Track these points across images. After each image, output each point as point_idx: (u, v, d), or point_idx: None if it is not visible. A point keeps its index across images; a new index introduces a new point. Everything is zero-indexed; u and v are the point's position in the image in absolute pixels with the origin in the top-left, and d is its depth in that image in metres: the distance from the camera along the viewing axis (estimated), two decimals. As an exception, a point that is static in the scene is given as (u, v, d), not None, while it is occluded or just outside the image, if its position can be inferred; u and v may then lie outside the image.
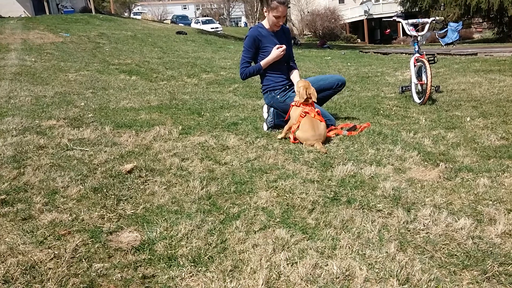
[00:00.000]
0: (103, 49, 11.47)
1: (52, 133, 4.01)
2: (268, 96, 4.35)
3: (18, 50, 10.46)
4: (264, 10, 4.20)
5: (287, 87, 4.31)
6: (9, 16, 20.87)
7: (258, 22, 40.77)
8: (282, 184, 2.89)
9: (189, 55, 11.23)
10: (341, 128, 4.17)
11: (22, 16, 21.91)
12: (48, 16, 21.09)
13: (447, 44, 18.04)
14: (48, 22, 16.50)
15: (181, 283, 1.87)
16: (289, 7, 28.21)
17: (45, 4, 23.14)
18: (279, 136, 4.00)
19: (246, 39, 4.24)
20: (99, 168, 3.17)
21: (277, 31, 4.25)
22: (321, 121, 3.81)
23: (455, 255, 2.03)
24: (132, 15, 43.95)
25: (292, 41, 22.56)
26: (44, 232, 2.25)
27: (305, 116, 3.80)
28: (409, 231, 2.27)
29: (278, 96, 4.27)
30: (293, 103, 3.96)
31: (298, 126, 3.80)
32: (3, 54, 9.71)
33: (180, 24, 36.04)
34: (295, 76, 4.40)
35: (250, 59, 4.26)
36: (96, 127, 4.23)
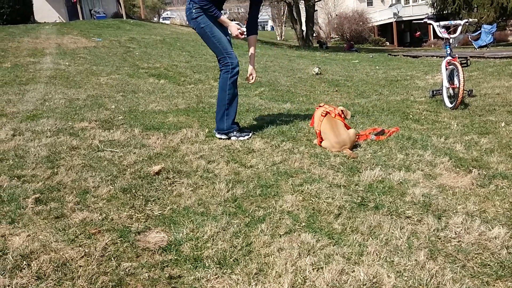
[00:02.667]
0: (133, 53, 11.70)
1: (84, 134, 4.11)
2: (197, 14, 3.86)
3: (53, 54, 10.79)
4: None
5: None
6: (45, 22, 21.56)
7: (284, 26, 40.45)
8: (308, 188, 2.87)
9: (215, 59, 11.33)
10: (369, 132, 4.11)
11: (57, 21, 22.61)
12: (81, 21, 21.69)
13: (480, 47, 17.56)
14: (81, 27, 16.96)
15: (207, 284, 1.88)
16: (316, 10, 28.10)
17: (79, 9, 23.80)
18: (315, 141, 3.88)
19: None
20: (128, 169, 3.23)
21: None
22: (345, 125, 3.75)
23: (488, 265, 1.97)
24: (161, 20, 44.71)
25: (320, 45, 22.27)
26: (76, 231, 2.31)
27: (326, 115, 3.75)
28: (439, 239, 2.21)
29: (203, 17, 3.83)
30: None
31: (321, 135, 3.77)
32: (38, 58, 10.04)
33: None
34: (251, 41, 4.17)
35: None
36: (125, 129, 4.31)
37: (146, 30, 18.69)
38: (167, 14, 54.05)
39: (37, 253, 2.08)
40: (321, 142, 3.81)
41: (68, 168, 3.22)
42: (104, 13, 24.73)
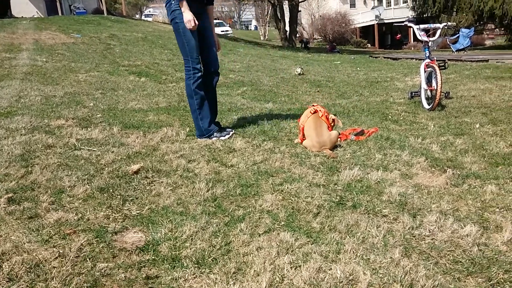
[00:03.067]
0: (114, 51, 11.55)
1: (61, 132, 4.04)
2: (174, 8, 3.79)
3: (29, 50, 10.57)
4: None
5: (200, 5, 3.88)
6: (22, 16, 21.09)
7: (268, 26, 40.49)
8: (287, 187, 2.88)
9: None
10: (349, 133, 4.16)
11: (35, 16, 22.15)
12: (60, 17, 21.31)
13: (458, 50, 17.90)
14: (60, 23, 16.66)
15: (185, 284, 1.87)
16: (300, 10, 28.24)
17: (58, 5, 23.40)
18: (296, 141, 3.96)
19: None
20: (106, 168, 3.19)
21: None
22: (328, 127, 3.79)
23: (460, 261, 2.01)
24: (143, 17, 44.24)
25: (303, 44, 22.36)
26: (50, 231, 2.27)
27: (313, 113, 3.81)
28: (414, 237, 2.25)
29: (180, 13, 3.73)
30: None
31: (303, 131, 3.83)
32: (15, 54, 9.81)
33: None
34: (210, 11, 4.07)
35: None
36: (104, 128, 4.25)
37: (128, 27, 18.48)
38: (149, 11, 53.45)
39: (9, 254, 2.04)
40: (303, 140, 3.84)
41: (43, 167, 3.16)
42: (84, 9, 24.36)
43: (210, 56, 4.01)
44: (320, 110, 3.85)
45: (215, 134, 4.02)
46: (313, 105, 3.99)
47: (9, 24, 15.79)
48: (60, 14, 23.09)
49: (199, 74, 3.90)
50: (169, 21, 3.94)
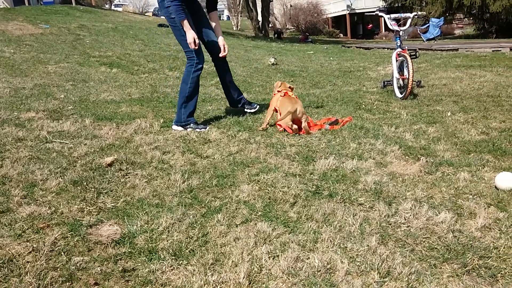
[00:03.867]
0: (84, 41, 11.26)
1: (31, 125, 3.92)
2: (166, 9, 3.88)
3: (-5, 41, 10.20)
4: None
5: (191, 2, 4.04)
6: (-14, 6, 20.33)
7: (240, 16, 40.24)
8: (264, 177, 2.88)
9: (171, 48, 11.10)
10: (324, 122, 4.19)
11: (1, 6, 21.35)
12: (28, 7, 20.60)
13: (428, 40, 18.24)
14: (27, 13, 16.11)
15: (162, 276, 1.85)
16: (272, 0, 28.15)
17: (24, -6, 22.63)
18: (261, 128, 4.06)
19: None
20: (79, 161, 3.12)
21: None
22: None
23: (436, 248, 2.06)
24: (113, 7, 43.26)
25: (276, 35, 22.35)
26: (23, 225, 2.21)
27: (285, 95, 4.06)
28: (390, 224, 2.29)
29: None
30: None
31: (280, 114, 3.98)
32: (-21, 45, 9.46)
33: (162, 17, 35.65)
34: (213, 16, 4.34)
35: None
36: (76, 120, 4.15)
37: (97, 17, 18.04)
38: (119, 1, 52.27)
39: (-20, 250, 1.98)
40: (280, 123, 3.97)
41: (14, 160, 3.07)
42: (52, -1, 23.62)
43: (211, 43, 4.23)
44: (287, 93, 4.12)
45: (191, 124, 4.05)
46: (278, 91, 4.20)
47: (-28, 14, 15.18)
48: (27, 4, 22.32)
49: (201, 65, 4.03)
50: (165, 18, 4.00)
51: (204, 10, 4.31)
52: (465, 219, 2.32)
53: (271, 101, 4.21)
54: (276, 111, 4.08)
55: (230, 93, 4.49)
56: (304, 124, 3.94)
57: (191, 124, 4.03)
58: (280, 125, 4.01)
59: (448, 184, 2.78)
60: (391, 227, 2.26)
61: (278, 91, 4.19)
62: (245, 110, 4.58)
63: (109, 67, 8.08)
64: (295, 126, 3.93)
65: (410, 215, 2.35)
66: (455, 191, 2.68)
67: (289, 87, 4.25)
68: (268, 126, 4.08)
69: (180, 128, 4.02)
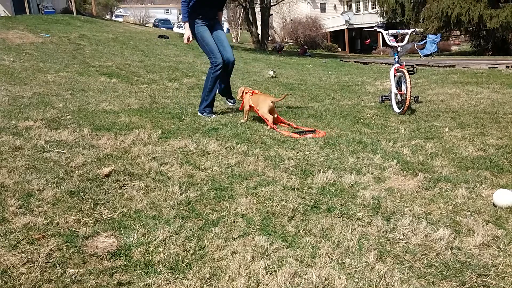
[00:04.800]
0: (84, 51, 11.30)
1: (29, 134, 3.91)
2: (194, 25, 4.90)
3: (-5, 49, 10.22)
4: None
5: (211, 19, 4.99)
6: (-13, 15, 20.42)
7: (240, 30, 40.53)
8: (262, 191, 2.87)
9: (170, 59, 11.16)
10: (300, 132, 4.42)
11: (2, 15, 21.44)
12: (28, 16, 20.70)
13: (425, 56, 18.39)
14: (28, 22, 16.19)
15: (158, 290, 1.83)
16: (271, 14, 28.40)
17: (26, 3, 22.65)
18: (242, 120, 4.78)
19: None
20: (76, 171, 3.10)
21: None
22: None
23: (434, 265, 2.05)
24: (114, 18, 43.53)
25: (276, 50, 22.54)
26: (18, 236, 2.19)
27: (252, 95, 4.82)
28: (388, 240, 2.28)
29: (196, 25, 4.89)
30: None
31: (257, 107, 4.68)
32: (-21, 53, 9.48)
33: (162, 28, 35.84)
34: (219, 15, 5.26)
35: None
36: (74, 129, 4.14)
37: (98, 27, 18.13)
38: (120, 12, 52.66)
39: (-26, 260, 1.95)
40: (260, 116, 4.63)
41: (11, 169, 3.05)
42: (53, 8, 23.71)
43: (224, 50, 5.02)
44: (254, 92, 4.88)
45: (205, 114, 5.00)
46: (246, 92, 4.93)
47: (-28, 22, 15.23)
48: (28, 13, 22.38)
49: (220, 66, 4.90)
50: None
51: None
52: (463, 236, 2.31)
53: (242, 103, 4.95)
54: (252, 108, 4.79)
55: (222, 85, 5.36)
56: (275, 116, 4.65)
57: (205, 114, 5.01)
58: (266, 120, 4.58)
59: (446, 200, 2.78)
60: (390, 243, 2.25)
61: (246, 93, 4.91)
62: (227, 101, 5.68)
63: (108, 77, 8.10)
64: (271, 117, 4.54)
65: (409, 231, 2.34)
66: (453, 207, 2.68)
67: (252, 91, 4.94)
68: (248, 119, 4.86)
69: (200, 114, 5.02)
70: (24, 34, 13.21)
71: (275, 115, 4.66)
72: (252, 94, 4.83)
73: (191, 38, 4.81)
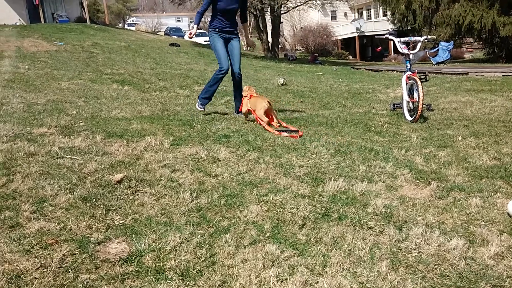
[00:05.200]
0: (97, 59, 11.45)
1: (43, 140, 3.96)
2: (209, 34, 5.62)
3: (12, 57, 10.40)
4: None
5: (227, 33, 5.56)
6: (4, 24, 20.76)
7: (250, 37, 40.89)
8: (272, 198, 2.87)
9: (181, 67, 11.24)
10: (282, 130, 4.77)
11: (17, 24, 21.83)
12: (43, 24, 21.05)
13: (438, 63, 18.27)
14: (43, 31, 16.47)
15: (169, 297, 1.83)
16: (282, 22, 28.48)
17: (41, 12, 23.04)
18: (245, 119, 5.35)
19: None
20: (88, 177, 3.13)
21: None
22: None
23: (448, 276, 2.02)
24: (126, 26, 44.02)
25: (287, 56, 22.73)
26: (31, 241, 2.21)
27: (250, 98, 5.22)
28: (401, 250, 2.25)
29: (212, 35, 5.56)
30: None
31: (254, 110, 5.04)
32: (-5, 61, 9.65)
33: (173, 36, 36.15)
34: (244, 26, 6.23)
35: (205, 9, 5.49)
36: (87, 136, 4.19)
37: (111, 35, 18.36)
38: (132, 20, 53.21)
39: (-12, 264, 1.98)
40: (256, 116, 4.99)
41: (25, 175, 3.09)
42: (67, 17, 24.08)
43: (233, 61, 5.62)
44: (252, 95, 5.27)
45: (199, 103, 5.73)
46: (245, 96, 5.36)
47: (-11, 30, 15.53)
48: (42, 22, 22.74)
49: (223, 71, 5.49)
50: None
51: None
52: (477, 246, 2.28)
53: (241, 104, 5.41)
54: (250, 111, 5.18)
55: (237, 103, 5.82)
56: (274, 120, 5.04)
57: (199, 102, 5.73)
58: (257, 119, 5.02)
59: (459, 209, 2.75)
60: (402, 252, 2.23)
61: (245, 96, 5.34)
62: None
63: (121, 84, 8.18)
64: (266, 119, 4.93)
65: (421, 241, 2.32)
66: (467, 217, 2.64)
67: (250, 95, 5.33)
68: (248, 118, 5.36)
69: (197, 100, 5.82)
70: (38, 42, 13.43)
71: (271, 116, 5.08)
72: (250, 98, 5.24)
73: (193, 33, 5.76)
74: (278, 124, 5.02)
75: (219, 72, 5.52)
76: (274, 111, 5.17)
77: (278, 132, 4.63)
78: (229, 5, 5.32)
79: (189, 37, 6.02)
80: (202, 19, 5.88)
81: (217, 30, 5.46)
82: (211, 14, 5.54)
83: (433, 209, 2.76)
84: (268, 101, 5.03)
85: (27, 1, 23.81)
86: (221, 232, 2.41)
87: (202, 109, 5.74)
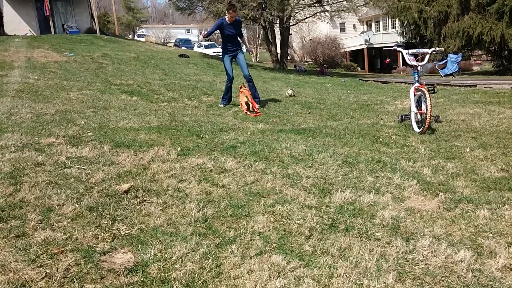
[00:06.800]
0: (106, 70, 11.56)
1: (51, 150, 3.99)
2: (222, 53, 7.68)
3: (21, 67, 10.54)
4: (229, 16, 7.28)
5: (233, 51, 7.49)
6: (15, 34, 21.09)
7: (260, 49, 40.91)
8: (279, 209, 2.86)
9: (190, 78, 11.31)
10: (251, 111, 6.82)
11: (28, 34, 22.15)
12: (53, 35, 21.34)
13: (446, 75, 18.20)
14: (53, 42, 16.69)
15: (174, 307, 1.82)
16: (291, 34, 28.65)
17: (51, 23, 23.36)
18: (244, 111, 6.90)
19: (217, 22, 7.60)
20: (95, 187, 3.14)
21: (232, 21, 7.31)
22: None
23: (455, 288, 1.99)
24: (136, 37, 44.51)
25: (296, 68, 22.93)
26: (37, 250, 2.22)
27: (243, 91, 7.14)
28: (408, 261, 2.23)
29: (223, 54, 7.57)
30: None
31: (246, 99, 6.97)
32: (6, 71, 9.77)
33: (183, 48, 36.46)
34: (242, 40, 8.14)
35: (213, 31, 7.70)
36: (95, 146, 4.21)
37: (120, 46, 18.56)
38: (142, 32, 53.82)
39: (-6, 273, 1.98)
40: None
41: (32, 184, 3.11)
42: (77, 28, 24.38)
43: (241, 68, 7.55)
44: (244, 90, 7.16)
45: (220, 103, 7.58)
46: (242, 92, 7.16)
47: (1, 42, 15.79)
48: (53, 32, 23.05)
49: (229, 81, 7.47)
50: None
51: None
52: (485, 258, 2.25)
53: (240, 97, 7.18)
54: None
55: (256, 98, 7.54)
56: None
57: (220, 102, 7.65)
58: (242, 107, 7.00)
59: (467, 221, 2.72)
60: (409, 264, 2.21)
61: (240, 89, 7.27)
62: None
63: (129, 95, 8.25)
64: (245, 107, 6.91)
65: (429, 253, 2.29)
66: (474, 229, 2.61)
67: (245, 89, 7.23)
68: (247, 110, 6.93)
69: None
70: (48, 53, 13.60)
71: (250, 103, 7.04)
72: (241, 93, 7.21)
73: (204, 34, 8.03)
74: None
75: (227, 82, 7.56)
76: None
77: (248, 112, 6.82)
78: (229, 32, 7.37)
79: (204, 37, 8.23)
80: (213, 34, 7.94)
81: (226, 51, 7.52)
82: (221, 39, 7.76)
83: (441, 220, 2.73)
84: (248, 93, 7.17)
85: (38, 12, 24.17)
86: (227, 242, 2.40)
87: (222, 106, 7.48)
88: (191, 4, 22.41)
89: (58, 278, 1.98)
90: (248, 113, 6.87)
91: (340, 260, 2.22)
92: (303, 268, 2.15)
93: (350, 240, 2.43)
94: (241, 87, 7.34)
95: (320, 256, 2.26)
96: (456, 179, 3.52)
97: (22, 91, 7.54)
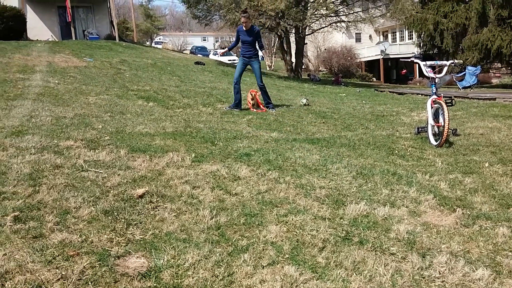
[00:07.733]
0: (124, 75, 11.71)
1: (69, 153, 4.05)
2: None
3: (43, 72, 10.73)
4: (242, 20, 7.93)
5: (247, 57, 8.15)
6: (37, 39, 21.50)
7: (274, 57, 41.03)
8: (292, 219, 2.85)
9: (205, 85, 11.39)
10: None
11: (50, 40, 22.57)
12: (74, 41, 21.69)
13: (464, 88, 17.99)
14: (73, 47, 16.98)
15: (186, 315, 1.82)
16: (306, 43, 28.68)
17: (72, 29, 23.79)
18: (252, 109, 7.98)
19: (237, 30, 8.26)
20: (111, 191, 3.17)
21: (249, 29, 7.91)
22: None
23: (471, 306, 1.95)
24: (153, 44, 45.02)
25: (311, 77, 23.10)
26: (53, 252, 2.24)
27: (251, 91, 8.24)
28: (423, 278, 2.19)
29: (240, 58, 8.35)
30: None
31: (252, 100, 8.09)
32: (28, 75, 9.96)
33: (199, 55, 36.74)
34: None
35: (235, 45, 8.67)
36: (111, 150, 4.26)
37: (138, 53, 18.79)
38: (159, 39, 54.48)
39: (12, 273, 2.01)
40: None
41: (50, 186, 3.15)
42: (97, 34, 24.77)
43: (256, 77, 8.27)
44: (252, 91, 8.21)
45: (230, 107, 8.03)
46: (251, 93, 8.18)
47: (24, 47, 16.12)
48: (73, 38, 23.46)
49: (234, 82, 8.12)
50: None
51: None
52: (504, 278, 2.20)
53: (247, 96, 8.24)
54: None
55: (265, 101, 8.32)
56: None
57: (230, 107, 8.01)
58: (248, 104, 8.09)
59: (486, 239, 2.67)
60: (425, 281, 2.17)
61: (251, 92, 8.23)
62: (269, 109, 8.20)
63: (146, 100, 8.33)
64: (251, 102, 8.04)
65: (445, 270, 2.25)
66: (493, 246, 2.56)
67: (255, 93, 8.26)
68: (253, 107, 8.11)
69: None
70: (69, 58, 13.84)
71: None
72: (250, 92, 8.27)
73: (221, 52, 10.42)
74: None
75: (233, 83, 8.19)
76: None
77: (253, 109, 8.00)
78: (244, 38, 7.98)
79: (220, 54, 9.10)
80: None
81: (241, 55, 8.21)
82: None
83: (458, 237, 2.69)
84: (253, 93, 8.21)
85: (60, 19, 24.67)
86: (240, 251, 2.40)
87: (228, 109, 7.90)
88: (208, 12, 22.59)
89: (73, 280, 2.00)
90: (253, 108, 8.01)
91: (354, 274, 2.19)
92: (316, 280, 2.13)
93: (364, 253, 2.41)
94: (252, 91, 8.31)
95: (333, 269, 2.24)
96: (474, 195, 3.47)
97: (43, 94, 7.67)
